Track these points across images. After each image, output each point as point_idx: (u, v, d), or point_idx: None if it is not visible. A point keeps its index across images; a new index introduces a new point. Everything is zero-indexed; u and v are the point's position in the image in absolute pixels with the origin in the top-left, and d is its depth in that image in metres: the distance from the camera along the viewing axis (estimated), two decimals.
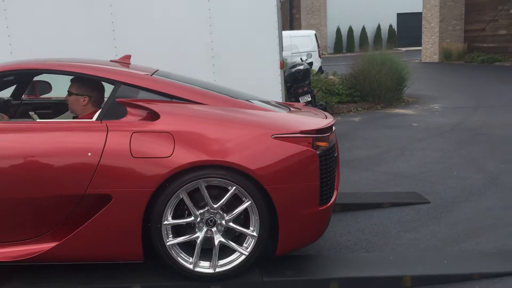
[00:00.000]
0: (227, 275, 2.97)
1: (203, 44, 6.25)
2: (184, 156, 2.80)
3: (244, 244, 2.98)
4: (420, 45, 23.61)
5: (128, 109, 2.99)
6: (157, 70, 3.53)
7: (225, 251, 2.99)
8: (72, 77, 3.35)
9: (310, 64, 9.25)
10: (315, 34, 15.42)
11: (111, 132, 2.86)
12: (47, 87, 4.34)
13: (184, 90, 3.20)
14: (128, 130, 2.86)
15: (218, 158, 2.83)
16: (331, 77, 11.64)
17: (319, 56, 14.96)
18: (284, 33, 12.09)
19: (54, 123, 3.02)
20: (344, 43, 32.63)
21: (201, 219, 2.93)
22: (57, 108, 4.07)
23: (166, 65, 4.03)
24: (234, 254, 2.99)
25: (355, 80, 10.67)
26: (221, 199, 2.90)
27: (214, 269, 2.96)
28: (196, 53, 6.20)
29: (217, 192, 2.92)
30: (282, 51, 6.66)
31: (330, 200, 3.13)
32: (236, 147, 2.87)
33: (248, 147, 2.89)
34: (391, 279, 3.12)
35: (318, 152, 2.98)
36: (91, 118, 3.07)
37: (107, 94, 3.31)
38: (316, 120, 3.28)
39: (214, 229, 2.95)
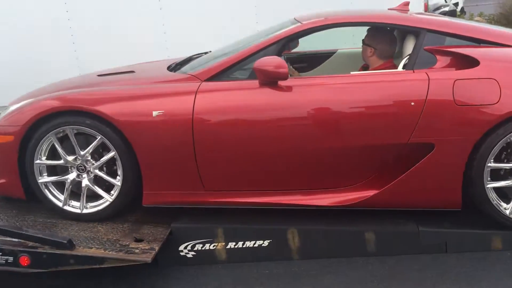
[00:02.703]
0: None
1: None
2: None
3: None
4: None
5: (438, 56, 2.96)
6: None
7: None
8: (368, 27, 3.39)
9: (456, 4, 8.49)
10: None
11: (433, 80, 2.84)
12: (296, 42, 4.39)
13: (491, 33, 3.11)
14: (450, 78, 2.83)
15: None
16: (477, 18, 10.60)
17: None
18: None
19: (372, 75, 3.07)
20: None
21: None
22: (311, 61, 4.22)
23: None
24: None
25: (506, 21, 9.61)
26: None
27: None
28: None
29: None
30: None
31: None
32: None
33: None
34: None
35: None
36: (389, 68, 3.16)
37: None
38: None
39: None
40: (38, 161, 3.01)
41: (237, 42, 3.57)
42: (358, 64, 3.63)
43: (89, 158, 3.01)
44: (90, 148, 2.98)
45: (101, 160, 3.01)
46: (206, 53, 3.88)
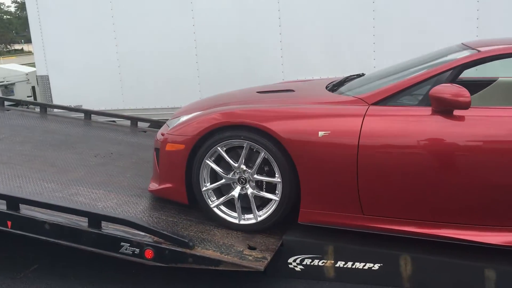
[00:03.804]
0: None
1: None
2: None
3: None
4: None
5: None
6: None
7: None
8: None
9: None
10: None
11: None
12: None
13: None
14: None
15: None
16: None
17: None
18: None
19: None
20: None
21: None
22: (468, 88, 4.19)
23: None
24: None
25: None
26: None
27: None
28: None
29: None
30: None
31: None
32: None
33: None
34: None
35: None
36: None
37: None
38: None
39: None
40: (204, 189, 3.23)
41: (393, 67, 3.56)
42: None
43: (255, 175, 3.14)
44: (256, 166, 3.10)
45: (263, 190, 3.15)
46: (358, 75, 3.91)
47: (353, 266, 3.08)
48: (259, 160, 3.10)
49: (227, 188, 3.25)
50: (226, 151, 3.17)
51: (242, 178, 3.18)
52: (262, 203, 3.20)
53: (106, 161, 4.36)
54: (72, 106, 6.41)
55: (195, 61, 6.26)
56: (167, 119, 5.86)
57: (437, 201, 2.86)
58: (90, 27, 6.51)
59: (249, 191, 3.17)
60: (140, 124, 5.64)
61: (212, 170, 3.21)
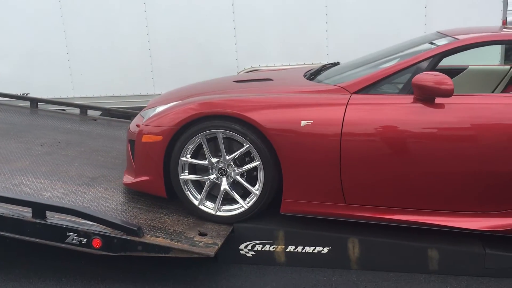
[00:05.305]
0: None
1: None
2: None
3: None
4: None
5: None
6: None
7: None
8: None
9: None
10: None
11: None
12: None
13: None
14: None
15: None
16: None
17: None
18: None
19: None
20: None
21: None
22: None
23: None
24: None
25: None
26: None
27: None
28: None
29: None
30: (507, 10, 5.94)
31: None
32: None
33: None
34: None
35: None
36: None
37: None
38: None
39: None
40: (183, 158, 3.11)
41: (370, 55, 3.60)
42: (493, 81, 3.48)
43: (232, 163, 3.09)
44: (237, 154, 3.04)
45: (244, 167, 3.08)
46: (334, 64, 3.91)
47: (303, 250, 3.12)
48: (249, 166, 3.05)
49: (203, 170, 3.19)
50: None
51: (223, 170, 3.12)
52: (227, 198, 3.16)
53: (52, 150, 4.22)
54: (18, 94, 6.15)
55: (148, 48, 6.12)
56: (119, 108, 5.82)
57: (419, 188, 2.90)
58: (36, 10, 6.23)
59: (223, 186, 3.12)
60: (90, 112, 5.48)
61: (198, 148, 3.13)
